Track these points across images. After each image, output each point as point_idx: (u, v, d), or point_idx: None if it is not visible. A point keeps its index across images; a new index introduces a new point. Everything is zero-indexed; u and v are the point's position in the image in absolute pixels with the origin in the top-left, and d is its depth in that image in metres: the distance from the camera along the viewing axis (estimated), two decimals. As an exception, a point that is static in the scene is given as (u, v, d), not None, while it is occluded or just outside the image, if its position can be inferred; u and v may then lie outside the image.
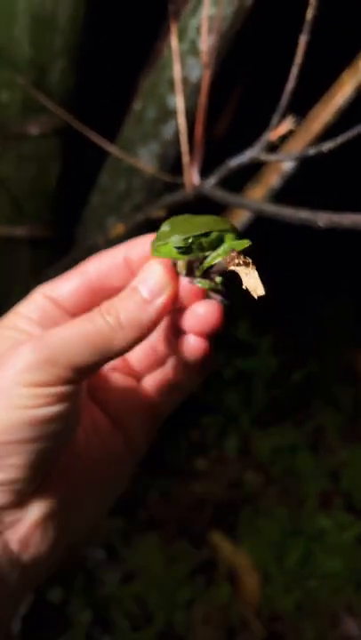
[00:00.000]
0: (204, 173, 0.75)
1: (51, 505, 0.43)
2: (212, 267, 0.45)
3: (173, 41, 0.64)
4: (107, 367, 0.50)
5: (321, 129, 1.12)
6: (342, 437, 1.70)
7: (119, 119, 1.18)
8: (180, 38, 1.06)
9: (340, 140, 0.64)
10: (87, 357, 0.40)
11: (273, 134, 0.65)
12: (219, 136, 1.35)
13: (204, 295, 0.46)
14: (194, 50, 1.00)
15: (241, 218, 1.00)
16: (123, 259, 0.46)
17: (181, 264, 0.45)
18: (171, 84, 1.05)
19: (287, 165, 0.96)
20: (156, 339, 0.49)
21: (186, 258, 0.44)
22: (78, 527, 0.46)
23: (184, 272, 0.45)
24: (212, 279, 0.45)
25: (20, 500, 0.42)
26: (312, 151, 0.65)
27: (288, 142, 1.12)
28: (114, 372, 0.51)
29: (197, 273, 0.45)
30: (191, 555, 1.36)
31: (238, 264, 0.43)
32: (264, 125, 0.67)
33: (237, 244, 0.44)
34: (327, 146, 0.64)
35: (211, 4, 0.99)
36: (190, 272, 0.45)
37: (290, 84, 0.67)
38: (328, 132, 1.13)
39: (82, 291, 0.47)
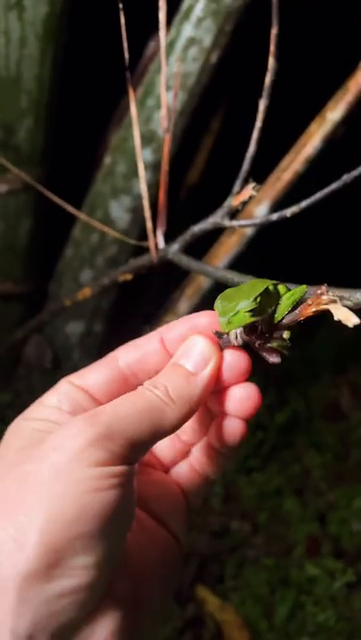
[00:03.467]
0: (178, 226, 0.74)
1: (120, 616, 0.36)
2: (281, 320, 0.45)
3: (132, 108, 0.64)
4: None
5: (291, 178, 1.13)
6: (329, 478, 1.68)
7: (91, 173, 1.18)
8: (148, 94, 1.07)
9: (304, 203, 0.64)
10: (142, 432, 0.37)
11: (235, 200, 0.65)
12: (192, 185, 1.36)
13: (246, 374, 0.44)
14: (160, 105, 1.01)
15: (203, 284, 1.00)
16: (158, 343, 0.44)
17: (240, 332, 0.43)
18: (141, 138, 1.06)
19: (249, 230, 0.96)
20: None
21: (259, 318, 0.44)
22: (150, 633, 0.41)
23: (246, 338, 0.44)
24: (280, 336, 0.45)
25: (88, 614, 0.35)
26: (275, 216, 0.64)
27: (260, 191, 1.13)
28: (144, 467, 0.48)
29: (266, 330, 0.45)
30: (176, 613, 1.31)
31: (326, 303, 0.42)
32: (229, 189, 0.67)
33: (298, 292, 0.45)
34: (291, 210, 0.64)
35: (176, 61, 1.00)
36: (254, 335, 0.44)
37: (251, 149, 0.67)
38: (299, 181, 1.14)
39: (112, 378, 0.44)
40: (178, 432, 0.45)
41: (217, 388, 0.43)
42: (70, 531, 0.33)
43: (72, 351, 1.28)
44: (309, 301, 0.43)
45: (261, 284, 0.44)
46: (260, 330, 0.44)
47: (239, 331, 0.43)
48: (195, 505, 0.49)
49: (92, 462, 0.34)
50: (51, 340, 1.27)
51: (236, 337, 0.43)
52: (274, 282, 0.46)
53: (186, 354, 0.41)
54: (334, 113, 1.04)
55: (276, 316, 0.45)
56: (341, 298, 0.49)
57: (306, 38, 1.35)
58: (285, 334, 0.45)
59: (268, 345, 0.44)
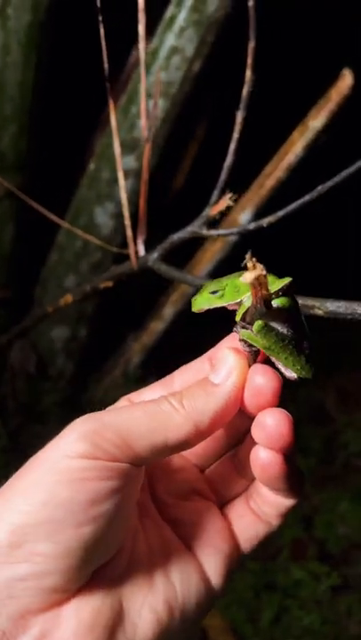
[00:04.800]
0: (164, 231, 0.75)
1: (91, 617, 0.35)
2: (268, 304, 0.40)
3: (113, 120, 0.64)
4: (185, 488, 0.45)
5: (274, 185, 1.14)
6: (314, 482, 1.69)
7: (75, 179, 1.19)
8: (131, 101, 1.08)
9: (281, 213, 0.64)
10: (140, 433, 0.37)
11: (212, 210, 0.65)
12: (177, 191, 1.37)
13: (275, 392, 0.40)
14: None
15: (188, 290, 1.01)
16: (208, 364, 0.43)
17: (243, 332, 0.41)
18: (123, 145, 1.07)
19: (233, 237, 0.97)
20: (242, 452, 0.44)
21: (225, 302, 0.42)
22: None
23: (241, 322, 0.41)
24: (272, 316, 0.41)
25: (52, 603, 0.34)
26: (252, 225, 0.65)
27: (243, 197, 1.14)
28: (193, 495, 0.45)
29: (249, 320, 0.41)
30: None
31: (259, 279, 0.38)
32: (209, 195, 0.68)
33: (278, 282, 0.41)
34: (267, 220, 0.64)
35: (159, 70, 1.01)
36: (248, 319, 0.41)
37: (228, 160, 0.68)
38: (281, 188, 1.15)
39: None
40: (241, 461, 0.43)
41: (249, 410, 0.40)
42: (37, 514, 0.33)
43: (57, 356, 1.28)
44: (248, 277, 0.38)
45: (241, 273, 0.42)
46: (242, 318, 0.41)
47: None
48: (245, 549, 0.44)
49: (77, 454, 0.35)
50: (35, 344, 1.27)
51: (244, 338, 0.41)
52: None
53: (215, 367, 0.40)
54: (316, 121, 1.06)
55: (245, 302, 0.42)
56: (313, 307, 0.50)
57: (288, 48, 1.36)
58: (255, 325, 0.40)
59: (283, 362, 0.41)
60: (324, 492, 1.64)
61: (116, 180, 1.11)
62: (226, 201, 0.64)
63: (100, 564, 0.37)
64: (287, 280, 0.40)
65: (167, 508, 0.44)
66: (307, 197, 0.56)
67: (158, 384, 0.44)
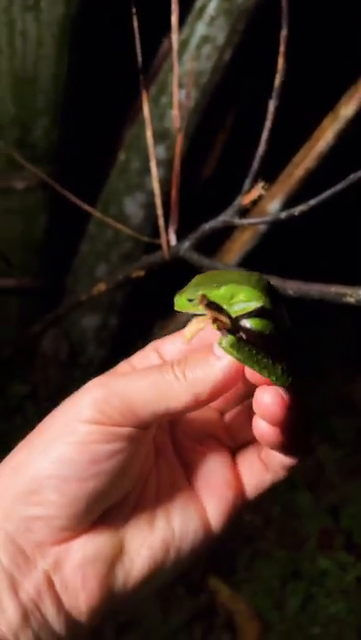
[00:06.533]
0: (193, 221, 0.76)
1: (94, 552, 0.42)
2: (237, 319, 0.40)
3: (146, 110, 0.65)
4: (203, 432, 0.48)
5: (303, 174, 1.14)
6: (342, 473, 1.68)
7: (105, 169, 1.20)
8: (161, 91, 1.09)
9: (313, 202, 0.65)
10: (145, 402, 0.39)
11: (244, 199, 0.66)
12: (207, 181, 1.37)
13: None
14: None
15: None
16: None
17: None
18: (154, 136, 1.07)
19: (263, 226, 0.97)
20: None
21: (196, 311, 0.41)
22: (125, 590, 0.43)
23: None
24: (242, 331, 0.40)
25: (62, 539, 0.41)
26: (284, 214, 0.65)
27: (273, 186, 1.14)
28: (210, 439, 0.48)
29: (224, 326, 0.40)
30: (188, 602, 1.33)
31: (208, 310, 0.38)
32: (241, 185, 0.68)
33: (246, 306, 0.40)
34: (299, 208, 0.65)
35: (189, 59, 1.01)
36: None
37: (260, 149, 0.68)
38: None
39: (186, 349, 0.45)
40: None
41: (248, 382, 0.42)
42: (48, 470, 0.40)
43: (88, 344, 1.30)
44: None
45: (230, 281, 0.41)
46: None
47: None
48: (250, 496, 0.46)
49: (84, 419, 0.40)
50: (67, 333, 1.29)
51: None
52: (248, 284, 0.41)
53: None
54: (347, 109, 1.05)
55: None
56: (345, 294, 0.50)
57: (319, 35, 1.35)
58: (227, 341, 0.39)
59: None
60: (352, 482, 1.63)
61: (146, 171, 1.12)
62: (258, 190, 0.64)
63: (107, 508, 0.42)
64: (252, 307, 0.39)
65: (183, 451, 0.48)
66: (339, 186, 0.56)
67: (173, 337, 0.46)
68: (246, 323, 0.39)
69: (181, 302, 0.43)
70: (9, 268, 1.18)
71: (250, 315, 0.40)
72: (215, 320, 0.38)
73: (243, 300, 0.40)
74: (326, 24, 1.38)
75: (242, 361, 0.39)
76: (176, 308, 0.43)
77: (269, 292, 0.41)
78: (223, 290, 0.41)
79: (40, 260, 1.20)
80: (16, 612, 0.39)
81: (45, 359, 1.27)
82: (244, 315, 0.40)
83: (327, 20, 1.36)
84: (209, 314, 0.37)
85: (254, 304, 0.39)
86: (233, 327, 0.38)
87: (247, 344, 0.39)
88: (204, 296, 0.37)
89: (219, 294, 0.41)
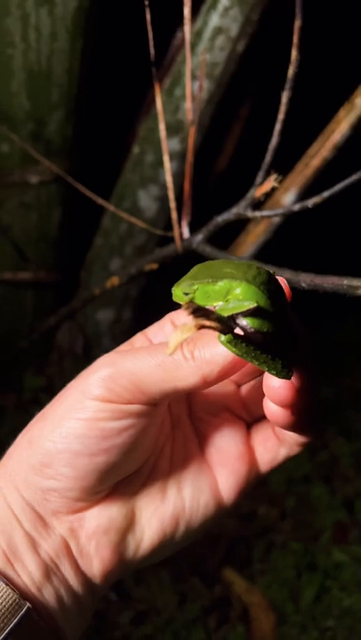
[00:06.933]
0: (207, 212, 0.75)
1: (107, 522, 0.43)
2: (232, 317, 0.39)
3: (158, 103, 0.65)
4: (219, 404, 0.49)
5: (319, 164, 1.13)
6: (357, 466, 1.68)
7: (119, 163, 1.20)
8: (175, 84, 1.08)
9: (326, 194, 0.64)
10: (152, 381, 0.40)
11: (257, 192, 0.66)
12: (221, 172, 1.37)
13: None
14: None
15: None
16: None
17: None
18: (168, 128, 1.07)
19: (277, 219, 0.96)
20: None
21: (192, 305, 0.38)
22: (136, 557, 0.45)
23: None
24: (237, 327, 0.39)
25: (77, 509, 0.43)
26: (297, 206, 0.65)
27: (287, 178, 1.13)
28: (226, 412, 0.49)
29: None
30: (204, 593, 1.34)
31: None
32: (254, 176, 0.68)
33: (241, 305, 0.38)
34: (313, 200, 0.64)
35: (203, 51, 1.00)
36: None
37: (273, 141, 0.68)
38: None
39: None
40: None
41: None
42: (60, 444, 0.41)
43: (102, 337, 1.31)
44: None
45: (228, 275, 0.40)
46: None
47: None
48: (263, 470, 0.48)
49: (94, 396, 0.40)
50: (82, 326, 1.30)
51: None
52: (244, 279, 0.39)
53: None
54: (363, 99, 1.03)
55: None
56: (358, 287, 0.50)
57: (334, 25, 1.33)
58: (225, 338, 0.38)
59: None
60: (367, 476, 1.62)
61: (160, 164, 1.12)
62: (271, 182, 0.64)
63: (120, 480, 0.44)
64: (246, 307, 0.38)
65: (199, 423, 0.48)
66: (353, 177, 0.56)
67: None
68: (243, 320, 0.38)
69: (178, 294, 0.42)
70: (24, 262, 1.18)
71: (246, 313, 0.38)
72: (202, 327, 0.35)
73: (238, 298, 0.39)
74: (341, 14, 1.36)
75: (240, 356, 0.38)
76: (174, 299, 0.43)
77: (268, 286, 0.39)
78: (219, 285, 0.40)
79: (55, 253, 1.20)
80: (38, 568, 0.41)
81: (61, 352, 1.28)
82: (240, 312, 0.38)
83: (342, 10, 1.34)
84: (195, 322, 0.35)
85: (248, 304, 0.38)
86: (226, 327, 0.37)
87: (244, 340, 0.38)
88: (190, 303, 0.35)
89: (214, 290, 0.40)
